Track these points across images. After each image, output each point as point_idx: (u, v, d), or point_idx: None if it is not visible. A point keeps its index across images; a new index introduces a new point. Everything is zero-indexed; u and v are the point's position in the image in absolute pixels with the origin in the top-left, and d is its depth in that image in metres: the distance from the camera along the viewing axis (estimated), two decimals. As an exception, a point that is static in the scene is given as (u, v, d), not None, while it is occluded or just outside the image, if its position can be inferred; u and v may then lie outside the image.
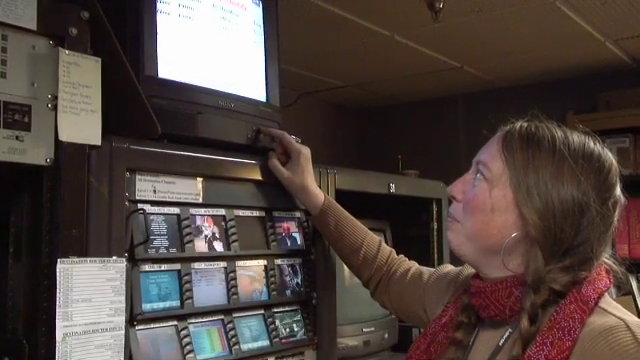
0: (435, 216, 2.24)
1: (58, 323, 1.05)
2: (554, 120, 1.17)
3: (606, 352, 0.97)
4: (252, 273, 1.47)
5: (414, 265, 1.55)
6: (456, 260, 1.45)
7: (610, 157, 1.13)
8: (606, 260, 1.12)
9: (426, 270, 1.50)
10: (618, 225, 1.12)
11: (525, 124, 1.15)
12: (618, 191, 1.11)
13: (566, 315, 1.02)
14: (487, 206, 1.11)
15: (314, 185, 1.55)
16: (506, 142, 1.12)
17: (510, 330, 1.10)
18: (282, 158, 1.55)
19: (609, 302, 1.07)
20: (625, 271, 1.14)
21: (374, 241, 1.57)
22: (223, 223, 1.42)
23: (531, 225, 1.06)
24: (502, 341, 1.10)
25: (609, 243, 1.11)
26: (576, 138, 1.12)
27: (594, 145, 1.12)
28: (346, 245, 1.55)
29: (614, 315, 1.03)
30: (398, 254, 1.60)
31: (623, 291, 3.08)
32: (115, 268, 1.15)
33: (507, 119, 1.18)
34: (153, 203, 1.27)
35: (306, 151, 1.54)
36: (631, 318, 1.02)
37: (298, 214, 1.62)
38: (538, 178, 1.07)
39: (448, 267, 1.46)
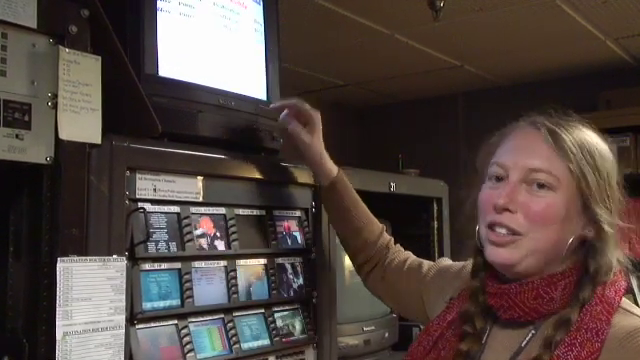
0: (435, 215, 2.24)
1: (58, 322, 1.05)
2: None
3: (634, 352, 0.99)
4: (252, 272, 1.47)
5: (411, 255, 1.54)
6: (456, 257, 1.45)
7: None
8: (622, 261, 1.14)
9: (426, 262, 1.48)
10: None
11: (561, 121, 1.14)
12: None
13: (593, 316, 1.03)
14: (560, 215, 1.09)
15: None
16: (560, 147, 1.10)
17: (533, 332, 1.10)
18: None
19: (629, 303, 1.09)
20: (626, 270, 1.16)
21: (377, 226, 1.55)
22: (223, 222, 1.41)
23: (605, 224, 1.10)
24: (525, 342, 1.09)
25: None
26: (602, 142, 1.15)
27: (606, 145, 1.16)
28: (351, 223, 1.52)
29: (638, 316, 1.05)
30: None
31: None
32: (115, 267, 1.14)
33: (522, 115, 1.19)
34: (153, 202, 1.27)
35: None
36: None
37: (299, 213, 1.62)
38: (602, 179, 1.10)
39: (448, 261, 1.45)
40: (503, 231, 1.10)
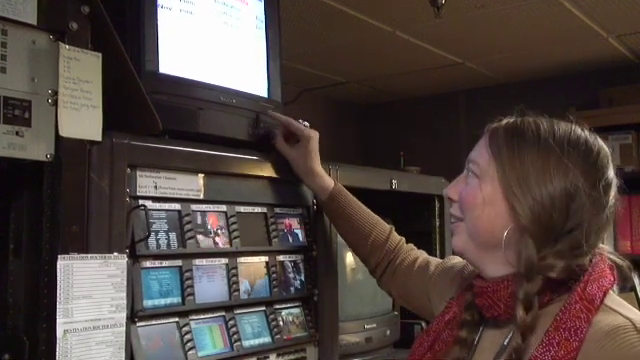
0: (437, 212, 2.23)
1: (58, 320, 1.05)
2: (549, 115, 1.16)
3: (614, 353, 0.95)
4: (254, 270, 1.47)
5: (422, 254, 1.54)
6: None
7: (600, 142, 1.12)
8: (610, 255, 1.11)
9: (434, 260, 1.49)
10: (615, 209, 1.10)
11: (511, 119, 1.16)
12: (610, 174, 1.10)
13: (572, 315, 1.00)
14: (479, 200, 1.11)
15: (321, 169, 1.56)
16: (492, 137, 1.14)
17: (514, 329, 1.09)
18: (290, 140, 1.56)
19: (614, 299, 1.05)
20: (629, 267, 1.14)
21: (384, 229, 1.56)
22: (224, 219, 1.41)
23: (521, 215, 1.06)
24: (507, 341, 1.08)
25: (605, 228, 1.10)
26: (562, 126, 1.12)
27: (581, 131, 1.11)
28: (354, 231, 1.55)
29: (620, 314, 1.01)
30: None
31: (625, 287, 3.07)
32: (116, 264, 1.14)
33: (497, 117, 1.18)
34: (154, 199, 1.27)
35: (315, 135, 1.55)
36: (638, 317, 1.00)
37: (300, 210, 1.62)
38: (524, 169, 1.07)
39: (455, 259, 1.43)
40: (453, 220, 1.19)
